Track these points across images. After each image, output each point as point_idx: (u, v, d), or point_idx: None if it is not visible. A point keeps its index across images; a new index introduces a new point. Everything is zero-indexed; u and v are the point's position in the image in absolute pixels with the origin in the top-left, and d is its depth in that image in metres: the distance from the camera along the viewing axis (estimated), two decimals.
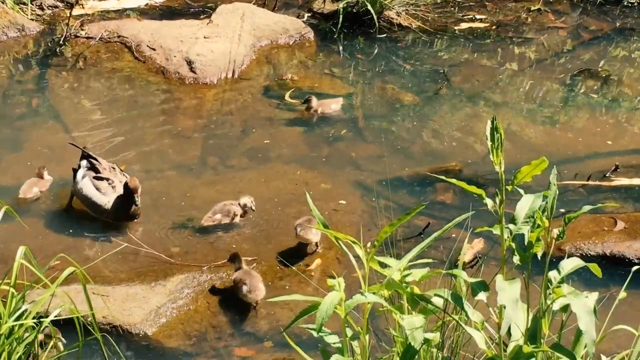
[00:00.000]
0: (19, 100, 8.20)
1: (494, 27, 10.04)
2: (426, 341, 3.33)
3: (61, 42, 9.13)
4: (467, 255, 5.75)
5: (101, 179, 6.28)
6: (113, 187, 6.24)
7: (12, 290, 4.29)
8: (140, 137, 7.48)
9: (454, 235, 5.58)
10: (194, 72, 8.52)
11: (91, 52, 8.99)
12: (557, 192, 3.13)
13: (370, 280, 3.37)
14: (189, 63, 8.59)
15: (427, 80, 8.74)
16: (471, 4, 10.57)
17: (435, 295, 3.39)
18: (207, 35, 8.97)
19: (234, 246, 5.88)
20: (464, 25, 10.02)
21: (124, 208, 6.15)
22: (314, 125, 7.73)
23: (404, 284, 3.37)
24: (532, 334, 3.21)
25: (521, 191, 3.17)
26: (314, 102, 7.81)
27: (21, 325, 4.26)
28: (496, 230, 3.16)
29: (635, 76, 9.10)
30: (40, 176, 6.57)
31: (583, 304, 3.01)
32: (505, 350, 3.19)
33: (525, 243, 3.12)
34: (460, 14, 10.28)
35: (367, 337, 3.39)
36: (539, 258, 3.17)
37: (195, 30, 9.11)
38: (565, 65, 9.28)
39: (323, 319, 3.15)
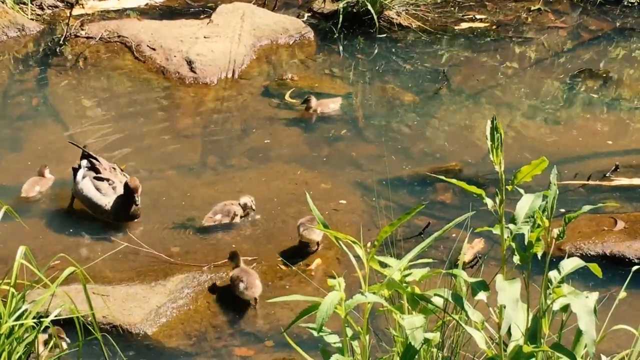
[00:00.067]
0: (19, 100, 8.20)
1: (494, 26, 10.04)
2: (426, 341, 3.33)
3: (61, 42, 9.13)
4: (467, 255, 5.75)
5: (101, 179, 6.27)
6: (113, 188, 6.24)
7: (12, 290, 4.29)
8: (140, 137, 7.48)
9: (454, 235, 5.58)
10: (194, 72, 8.52)
11: (91, 52, 8.99)
12: (557, 192, 3.13)
13: (371, 280, 3.37)
14: (189, 63, 8.59)
15: (427, 80, 8.74)
16: (471, 3, 10.57)
17: (436, 295, 3.39)
18: (207, 35, 8.97)
19: (233, 246, 5.88)
20: (464, 25, 10.02)
21: (124, 208, 6.15)
22: (314, 125, 7.73)
23: (404, 284, 3.37)
24: (532, 334, 3.21)
25: (521, 191, 3.17)
26: (313, 102, 7.81)
27: (21, 325, 4.26)
28: (496, 230, 3.16)
29: (636, 76, 9.10)
30: (42, 175, 6.57)
31: (583, 303, 3.01)
32: (505, 350, 3.19)
33: (526, 243, 3.13)
34: (461, 14, 10.28)
35: (367, 337, 3.39)
36: (539, 258, 3.17)
37: (196, 30, 9.11)
38: (565, 65, 9.28)
39: (323, 319, 3.15)
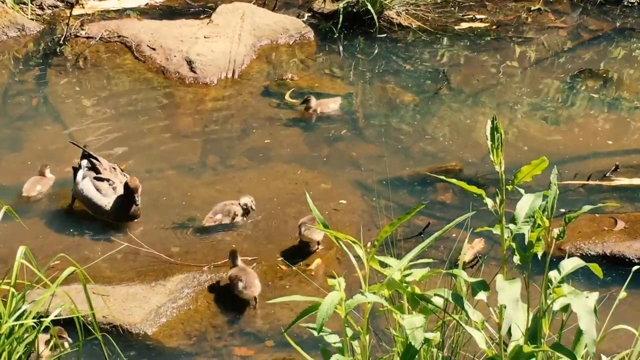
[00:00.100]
0: (19, 100, 8.20)
1: (494, 26, 10.03)
2: (426, 341, 3.33)
3: (61, 41, 9.13)
4: (467, 255, 5.75)
5: (102, 179, 6.27)
6: (114, 189, 6.23)
7: (12, 290, 4.29)
8: (140, 137, 7.48)
9: (454, 235, 5.58)
10: (194, 72, 8.52)
11: (91, 52, 8.99)
12: (558, 192, 3.13)
13: (371, 280, 3.37)
14: (189, 63, 8.59)
15: (427, 80, 8.74)
16: (471, 3, 10.57)
17: (436, 295, 3.39)
18: (207, 35, 8.97)
19: (233, 246, 5.88)
20: (464, 25, 10.02)
21: (124, 208, 6.15)
22: (314, 125, 7.73)
23: (405, 284, 3.37)
24: (533, 334, 3.21)
25: (521, 191, 3.17)
26: (313, 101, 7.81)
27: (21, 325, 4.26)
28: (496, 230, 3.16)
29: (636, 76, 9.10)
30: (43, 174, 6.57)
31: (583, 303, 3.01)
32: (505, 350, 3.19)
33: (526, 243, 3.13)
34: (461, 14, 10.27)
35: (367, 336, 3.39)
36: (539, 258, 3.17)
37: (196, 30, 9.11)
38: (565, 65, 9.28)
39: (323, 319, 3.15)
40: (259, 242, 6.03)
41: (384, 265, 3.41)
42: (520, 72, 9.08)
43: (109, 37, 9.15)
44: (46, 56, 9.03)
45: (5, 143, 7.28)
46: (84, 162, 6.39)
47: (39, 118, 7.83)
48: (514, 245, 3.13)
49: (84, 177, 6.31)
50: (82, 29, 9.28)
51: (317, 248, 5.89)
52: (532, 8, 10.49)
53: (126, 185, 6.13)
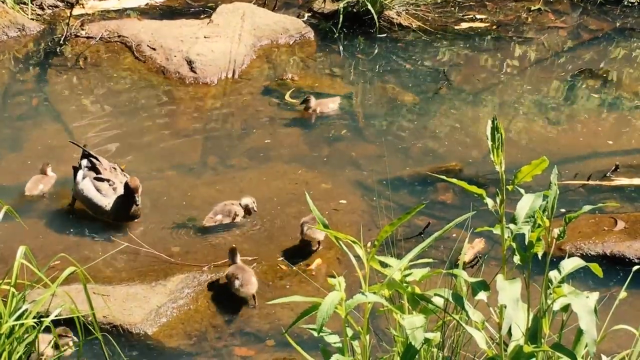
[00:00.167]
0: (19, 100, 8.20)
1: (494, 26, 10.04)
2: (427, 341, 3.33)
3: (61, 41, 9.13)
4: (467, 255, 5.75)
5: (102, 180, 6.27)
6: (114, 189, 6.23)
7: (12, 289, 4.29)
8: (140, 136, 7.48)
9: (454, 235, 5.58)
10: (194, 72, 8.52)
11: (91, 52, 8.99)
12: (558, 192, 3.13)
13: (371, 280, 3.37)
14: (189, 63, 8.59)
15: (427, 80, 8.74)
16: (471, 3, 10.57)
17: (436, 295, 3.39)
18: (208, 35, 8.97)
19: (233, 245, 5.88)
20: (464, 25, 10.02)
21: (125, 208, 6.15)
22: (314, 125, 7.73)
23: (405, 284, 3.37)
24: (533, 334, 3.21)
25: (522, 191, 3.17)
26: (313, 101, 7.82)
27: (21, 325, 4.26)
28: (497, 230, 3.16)
29: (636, 76, 9.10)
30: (45, 173, 6.57)
31: (584, 303, 3.01)
32: (505, 350, 3.19)
33: (526, 243, 3.13)
34: (461, 14, 10.28)
35: (367, 336, 3.39)
36: (540, 258, 3.17)
37: (196, 30, 9.12)
38: (565, 65, 9.28)
39: (324, 319, 3.15)
40: (260, 242, 6.03)
41: (384, 265, 3.42)
42: (521, 72, 9.08)
43: (109, 37, 9.15)
44: (46, 56, 9.03)
45: (5, 143, 7.28)
46: (84, 162, 6.38)
47: (39, 118, 7.83)
48: (514, 245, 3.13)
49: (84, 177, 6.31)
50: (82, 29, 9.28)
51: (318, 247, 5.90)
52: (532, 8, 10.50)
53: (126, 185, 6.13)
